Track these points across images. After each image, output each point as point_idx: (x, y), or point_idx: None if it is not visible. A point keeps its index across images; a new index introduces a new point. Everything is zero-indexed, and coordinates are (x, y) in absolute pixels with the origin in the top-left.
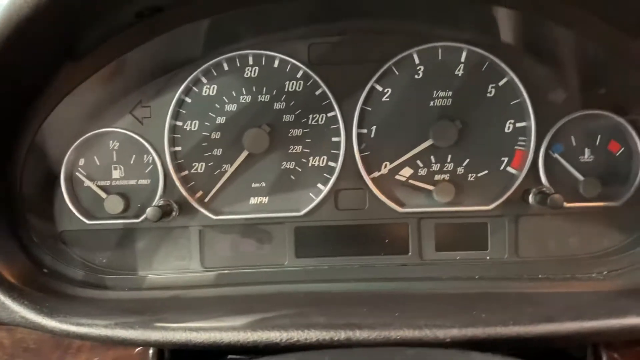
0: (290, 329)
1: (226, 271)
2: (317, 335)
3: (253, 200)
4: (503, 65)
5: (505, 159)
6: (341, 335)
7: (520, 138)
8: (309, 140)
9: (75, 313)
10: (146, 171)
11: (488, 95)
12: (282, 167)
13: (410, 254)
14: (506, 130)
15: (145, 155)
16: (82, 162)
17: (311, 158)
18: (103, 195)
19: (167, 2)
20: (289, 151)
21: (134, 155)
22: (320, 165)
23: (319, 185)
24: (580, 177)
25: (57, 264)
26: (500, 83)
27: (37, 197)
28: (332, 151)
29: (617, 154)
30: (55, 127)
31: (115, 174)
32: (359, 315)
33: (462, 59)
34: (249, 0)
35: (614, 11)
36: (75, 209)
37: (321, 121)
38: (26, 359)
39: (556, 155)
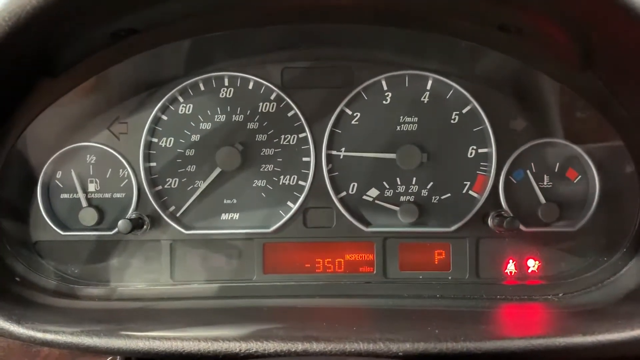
0: (250, 340)
1: (195, 285)
2: (275, 347)
3: (224, 217)
4: (466, 94)
5: (468, 183)
6: (298, 347)
7: (482, 163)
8: (280, 159)
9: (43, 321)
10: (121, 185)
11: (452, 121)
12: (254, 185)
13: (375, 272)
14: (469, 156)
15: (120, 170)
16: (59, 174)
17: (282, 177)
18: (84, 204)
19: (141, 25)
20: (261, 169)
21: (110, 170)
22: (291, 184)
23: (289, 203)
24: (539, 201)
25: (30, 273)
26: (464, 111)
27: (13, 207)
28: (302, 171)
29: (575, 181)
30: (34, 139)
31: (91, 187)
32: (318, 328)
33: (428, 87)
34: (225, 24)
35: (558, 49)
36: (50, 219)
37: (292, 142)
38: None
39: (516, 181)
